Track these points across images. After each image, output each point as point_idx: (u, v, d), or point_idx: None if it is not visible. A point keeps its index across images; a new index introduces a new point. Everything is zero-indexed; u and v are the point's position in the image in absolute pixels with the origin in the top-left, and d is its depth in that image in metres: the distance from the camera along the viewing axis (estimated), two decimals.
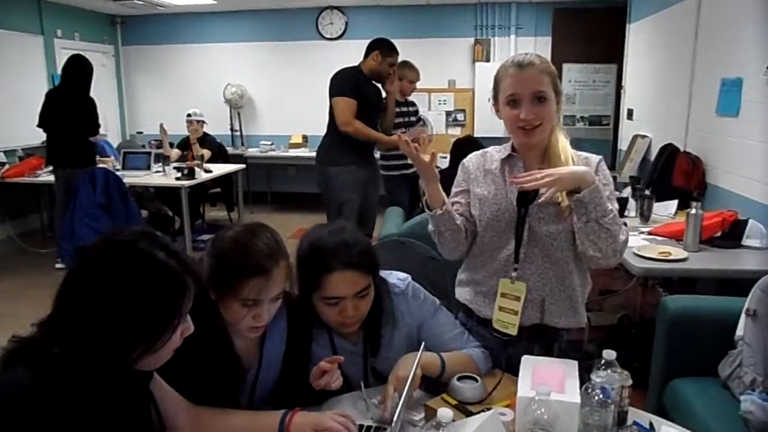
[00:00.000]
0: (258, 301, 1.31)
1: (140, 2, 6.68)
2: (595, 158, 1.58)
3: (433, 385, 1.48)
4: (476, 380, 1.45)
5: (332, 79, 3.73)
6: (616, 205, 1.52)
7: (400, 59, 4.00)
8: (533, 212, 1.53)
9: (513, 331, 1.56)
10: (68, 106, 4.60)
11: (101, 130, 7.02)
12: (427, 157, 1.52)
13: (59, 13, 6.69)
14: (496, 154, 1.65)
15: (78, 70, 4.65)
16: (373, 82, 3.82)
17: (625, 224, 1.52)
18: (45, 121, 4.70)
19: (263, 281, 1.30)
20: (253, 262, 1.29)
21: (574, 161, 1.52)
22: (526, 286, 1.55)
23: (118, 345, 0.96)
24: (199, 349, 1.20)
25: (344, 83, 3.67)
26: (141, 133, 7.68)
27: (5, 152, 5.87)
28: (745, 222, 2.75)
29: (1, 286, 4.60)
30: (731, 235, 2.74)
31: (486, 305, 1.63)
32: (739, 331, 1.98)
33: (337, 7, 7.22)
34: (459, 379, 1.45)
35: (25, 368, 0.93)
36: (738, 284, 2.34)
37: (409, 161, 4.86)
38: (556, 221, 1.51)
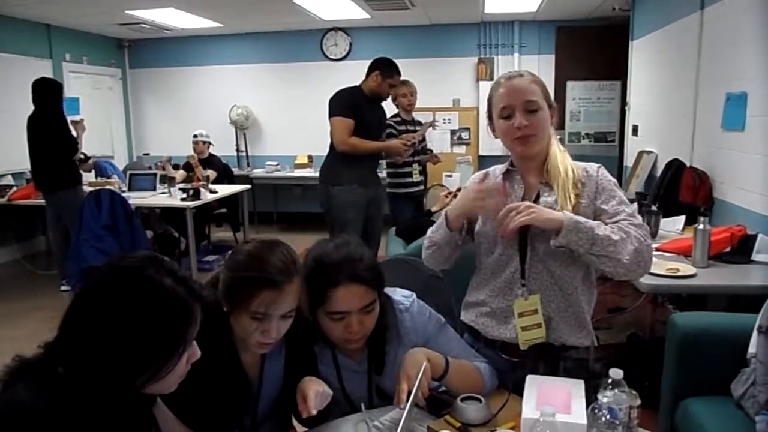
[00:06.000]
0: (267, 315, 1.29)
1: (147, 26, 6.78)
2: (593, 167, 1.58)
3: (436, 406, 1.44)
4: (480, 401, 1.41)
5: (331, 100, 3.75)
6: (627, 208, 1.50)
7: (402, 78, 4.01)
8: (534, 228, 1.51)
9: (542, 339, 1.53)
10: (43, 130, 4.62)
11: (108, 152, 7.12)
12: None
13: (67, 37, 6.80)
14: (498, 172, 1.67)
15: (47, 93, 4.65)
16: (376, 102, 3.83)
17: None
18: (28, 147, 4.73)
19: (273, 295, 1.28)
20: (265, 276, 1.28)
21: (574, 172, 1.53)
22: (539, 297, 1.53)
23: (122, 371, 0.96)
24: (208, 363, 1.18)
25: (341, 103, 3.69)
26: (147, 154, 7.74)
27: (13, 175, 5.95)
28: (754, 237, 2.71)
29: (7, 307, 4.60)
30: (740, 250, 2.70)
31: (492, 326, 1.60)
32: (752, 349, 1.93)
33: (341, 29, 7.30)
34: (463, 399, 1.42)
35: (26, 386, 0.94)
36: (749, 300, 2.29)
37: (414, 179, 4.88)
38: (555, 238, 1.49)
